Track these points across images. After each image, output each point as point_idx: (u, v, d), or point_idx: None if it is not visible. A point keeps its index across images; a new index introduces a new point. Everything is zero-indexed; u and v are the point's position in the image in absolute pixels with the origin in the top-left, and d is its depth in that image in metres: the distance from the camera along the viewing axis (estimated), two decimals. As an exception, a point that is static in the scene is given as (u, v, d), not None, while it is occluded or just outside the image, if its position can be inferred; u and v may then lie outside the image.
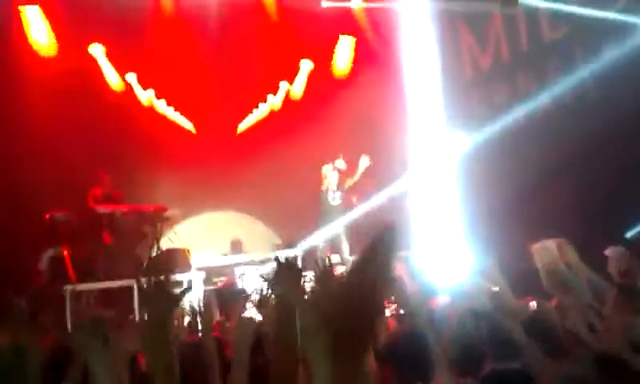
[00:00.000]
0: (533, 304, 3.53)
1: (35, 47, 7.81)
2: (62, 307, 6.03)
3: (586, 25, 6.40)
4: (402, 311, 3.55)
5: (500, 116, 7.05)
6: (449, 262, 6.86)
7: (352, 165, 7.79)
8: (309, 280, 7.12)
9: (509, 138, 6.82)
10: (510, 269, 3.84)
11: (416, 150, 7.97)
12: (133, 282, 6.54)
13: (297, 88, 9.31)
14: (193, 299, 6.24)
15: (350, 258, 7.25)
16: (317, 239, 7.28)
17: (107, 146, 7.92)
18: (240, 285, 6.67)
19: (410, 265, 7.18)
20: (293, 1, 8.43)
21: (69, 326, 5.59)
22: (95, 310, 5.83)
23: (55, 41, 7.90)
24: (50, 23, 7.89)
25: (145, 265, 7.27)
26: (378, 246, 1.34)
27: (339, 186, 7.55)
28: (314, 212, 7.71)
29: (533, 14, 7.19)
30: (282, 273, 1.89)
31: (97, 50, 8.38)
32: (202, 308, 2.82)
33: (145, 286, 1.64)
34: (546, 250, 3.25)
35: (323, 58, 9.19)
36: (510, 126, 6.89)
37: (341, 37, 9.08)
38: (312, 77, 9.27)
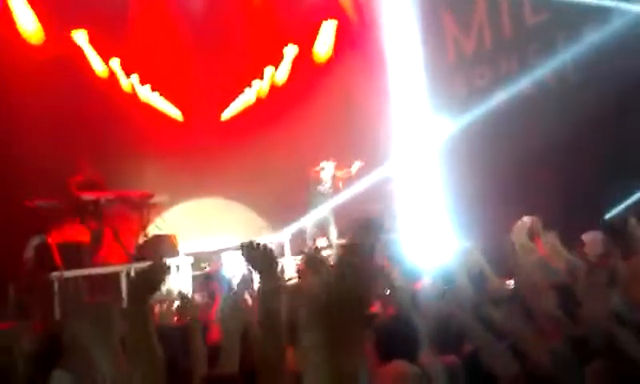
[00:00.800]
0: (510, 282, 3.65)
1: (23, 35, 7.71)
2: (50, 295, 6.03)
3: (568, 9, 6.48)
4: (387, 292, 3.64)
5: (483, 100, 7.14)
6: (432, 245, 6.98)
7: (342, 158, 7.86)
8: (297, 264, 7.22)
9: (491, 122, 6.91)
10: (492, 250, 3.95)
11: (399, 135, 8.03)
12: (120, 269, 6.58)
13: (281, 73, 9.30)
14: (181, 285, 6.32)
15: (338, 242, 7.32)
16: (305, 223, 7.35)
17: (92, 133, 7.86)
18: (226, 270, 6.72)
19: (395, 249, 7.32)
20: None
21: (57, 313, 5.61)
22: (85, 297, 5.84)
23: (41, 28, 7.79)
24: (34, 10, 7.78)
25: (132, 251, 7.28)
26: (363, 233, 1.42)
27: (332, 179, 7.71)
28: (301, 197, 7.76)
29: (515, -2, 7.26)
30: (255, 259, 1.91)
31: (80, 37, 8.27)
32: (189, 293, 2.88)
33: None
34: (522, 230, 3.35)
35: (307, 43, 9.18)
36: (492, 110, 6.98)
37: (324, 21, 9.07)
38: (297, 62, 9.26)
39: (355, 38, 8.85)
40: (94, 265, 6.74)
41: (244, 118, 9.20)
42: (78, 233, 7.24)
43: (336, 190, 7.76)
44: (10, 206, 6.99)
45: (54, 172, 7.30)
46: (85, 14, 7.94)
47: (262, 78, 9.30)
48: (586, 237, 3.58)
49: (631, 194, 5.74)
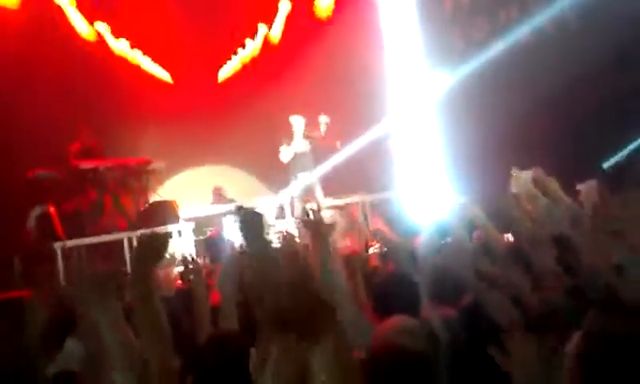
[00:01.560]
0: (508, 236, 3.67)
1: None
2: (55, 264, 6.10)
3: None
4: (384, 249, 3.68)
5: (481, 52, 7.03)
6: (430, 201, 7.00)
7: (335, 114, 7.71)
8: (294, 227, 7.22)
9: (489, 74, 6.83)
10: (490, 203, 3.96)
11: (396, 90, 7.94)
12: (123, 236, 6.63)
13: (275, 31, 9.12)
14: (184, 249, 6.38)
15: (326, 202, 7.29)
16: (291, 188, 7.33)
17: (84, 100, 7.77)
18: (227, 234, 6.77)
19: (393, 206, 7.34)
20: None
21: (62, 282, 5.69)
22: (89, 265, 5.90)
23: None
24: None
25: (133, 218, 7.31)
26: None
27: (305, 135, 7.48)
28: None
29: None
30: (246, 225, 1.94)
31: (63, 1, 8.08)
32: (192, 257, 2.91)
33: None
34: (520, 180, 3.35)
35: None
36: (490, 62, 6.88)
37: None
38: (292, 18, 9.06)
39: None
40: (96, 233, 6.78)
41: (239, 79, 9.08)
42: (79, 202, 7.27)
43: (328, 148, 7.55)
44: (9, 178, 6.99)
45: (51, 141, 7.28)
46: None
47: (254, 37, 9.13)
48: (582, 186, 3.58)
49: (630, 141, 5.72)
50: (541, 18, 6.64)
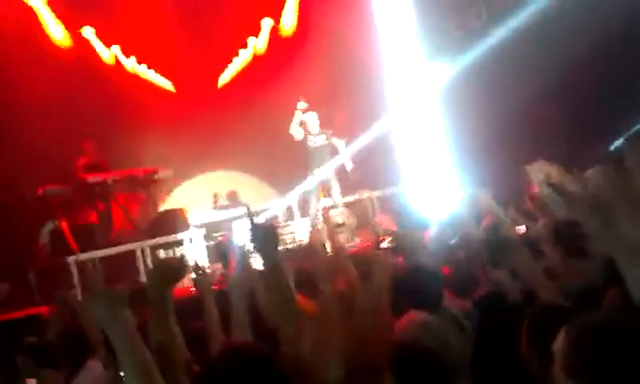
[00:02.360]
0: (522, 227, 3.68)
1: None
2: (70, 278, 6.16)
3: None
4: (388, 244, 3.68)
5: (479, 40, 6.98)
6: (438, 194, 6.99)
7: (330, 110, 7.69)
8: (304, 227, 7.18)
9: (490, 62, 6.79)
10: (500, 194, 3.96)
11: (396, 84, 7.92)
12: (135, 246, 6.68)
13: (260, 43, 9.11)
14: (196, 256, 6.42)
15: (342, 200, 7.28)
16: (307, 185, 7.28)
17: (89, 114, 7.84)
18: (237, 238, 6.79)
19: (400, 201, 7.34)
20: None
21: (79, 296, 5.74)
22: (103, 278, 5.95)
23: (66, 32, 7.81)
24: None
25: (144, 228, 7.36)
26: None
27: (321, 128, 7.33)
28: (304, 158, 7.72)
29: None
30: (257, 236, 1.95)
31: (87, 31, 8.26)
32: (204, 264, 2.93)
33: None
34: (541, 168, 3.36)
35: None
36: (490, 50, 6.83)
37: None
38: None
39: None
40: (107, 245, 6.84)
41: (239, 83, 9.10)
42: (88, 215, 7.33)
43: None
44: (19, 195, 7.06)
45: (58, 157, 7.35)
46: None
47: (257, 34, 9.13)
48: (590, 172, 3.58)
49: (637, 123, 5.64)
50: (540, 4, 6.58)
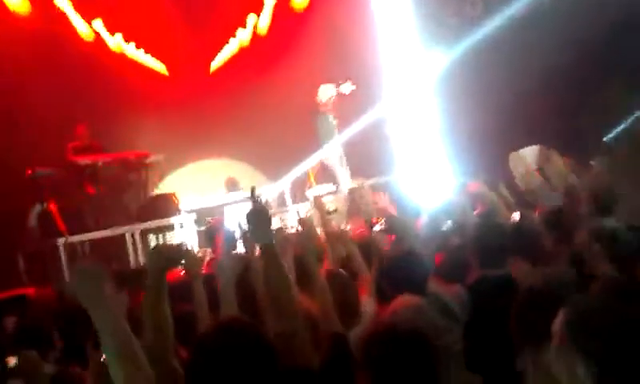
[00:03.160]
0: (516, 215, 3.68)
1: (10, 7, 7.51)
2: (59, 261, 6.10)
3: None
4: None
5: (475, 29, 6.94)
6: (432, 182, 6.98)
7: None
8: (302, 213, 7.09)
9: (486, 51, 6.74)
10: (493, 183, 3.95)
11: (392, 72, 7.87)
12: (125, 230, 6.62)
13: (263, 20, 9.00)
14: (187, 240, 6.38)
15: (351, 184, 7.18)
16: (304, 168, 7.22)
17: (81, 96, 7.73)
18: (228, 223, 6.73)
19: (394, 189, 7.31)
20: None
21: (67, 278, 5.69)
22: (92, 260, 5.89)
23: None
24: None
25: (134, 212, 7.30)
26: None
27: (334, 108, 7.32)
28: (297, 144, 7.66)
29: None
30: (252, 217, 1.98)
31: (63, 2, 8.04)
32: (193, 248, 2.93)
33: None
34: (520, 159, 3.36)
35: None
36: (486, 38, 6.78)
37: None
38: (283, 7, 8.97)
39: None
40: (97, 228, 6.77)
41: (232, 68, 9.00)
42: (78, 198, 7.25)
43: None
44: (8, 176, 6.96)
45: (50, 139, 7.25)
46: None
47: (244, 26, 9.04)
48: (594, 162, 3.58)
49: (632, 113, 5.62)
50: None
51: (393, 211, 3.67)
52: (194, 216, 7.04)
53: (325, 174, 7.40)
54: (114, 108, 7.95)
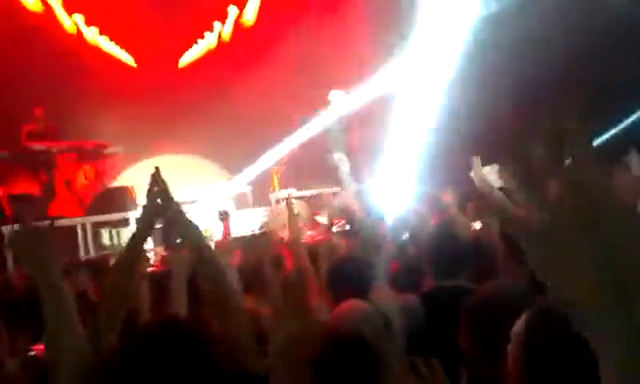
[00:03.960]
0: (477, 224, 3.66)
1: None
2: (2, 248, 5.79)
3: None
4: (347, 227, 3.63)
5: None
6: (396, 190, 6.95)
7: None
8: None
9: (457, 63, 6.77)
10: (461, 194, 3.93)
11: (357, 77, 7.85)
12: (76, 222, 6.35)
13: (248, 14, 8.89)
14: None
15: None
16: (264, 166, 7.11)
17: (42, 81, 7.43)
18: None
19: (365, 196, 7.25)
20: None
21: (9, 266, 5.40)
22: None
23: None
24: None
25: (88, 203, 7.02)
26: None
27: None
28: (263, 142, 7.53)
29: None
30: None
31: None
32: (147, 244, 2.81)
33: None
34: (478, 174, 3.35)
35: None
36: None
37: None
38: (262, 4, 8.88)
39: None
40: (47, 218, 6.47)
41: (203, 64, 8.85)
42: (30, 184, 6.94)
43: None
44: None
45: (5, 122, 6.93)
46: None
47: (223, 20, 8.91)
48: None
49: (617, 123, 5.59)
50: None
51: (358, 213, 3.62)
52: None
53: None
54: (76, 96, 7.67)
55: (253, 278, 2.75)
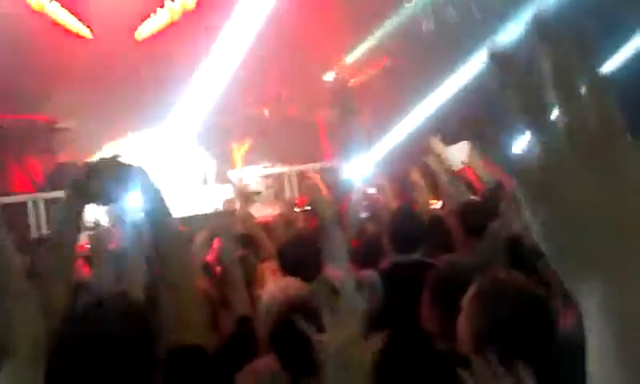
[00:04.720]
0: (438, 204, 3.74)
1: None
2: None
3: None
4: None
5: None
6: (360, 171, 7.00)
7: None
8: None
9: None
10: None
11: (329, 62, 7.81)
12: (27, 198, 6.10)
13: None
14: (96, 215, 5.96)
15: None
16: None
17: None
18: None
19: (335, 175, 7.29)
20: None
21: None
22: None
23: None
24: None
25: (39, 179, 6.75)
26: None
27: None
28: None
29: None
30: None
31: None
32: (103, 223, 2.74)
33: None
34: (437, 145, 3.42)
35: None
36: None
37: None
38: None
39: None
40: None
41: (162, 37, 8.56)
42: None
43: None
44: None
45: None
46: None
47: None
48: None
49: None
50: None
51: (325, 193, 3.63)
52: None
53: None
54: (27, 69, 7.30)
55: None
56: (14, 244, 1.52)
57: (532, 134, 0.44)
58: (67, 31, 8.19)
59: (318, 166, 7.43)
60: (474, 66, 6.66)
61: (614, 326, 0.40)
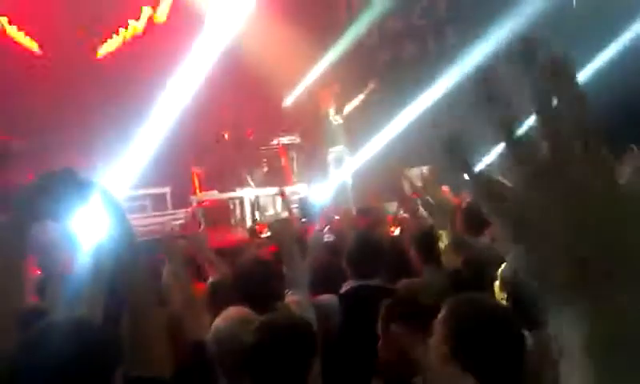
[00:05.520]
0: (397, 230, 3.80)
1: None
2: None
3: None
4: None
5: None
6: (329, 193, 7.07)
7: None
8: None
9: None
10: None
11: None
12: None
13: (160, 11, 8.58)
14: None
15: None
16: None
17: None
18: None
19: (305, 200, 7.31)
20: None
21: None
22: None
23: None
24: None
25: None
26: None
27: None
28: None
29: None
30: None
31: None
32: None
33: None
34: (408, 177, 3.50)
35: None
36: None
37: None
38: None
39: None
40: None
41: (121, 57, 8.44)
42: None
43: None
44: None
45: None
46: None
47: (137, 18, 8.54)
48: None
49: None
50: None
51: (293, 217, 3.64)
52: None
53: None
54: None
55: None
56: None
57: (506, 148, 0.44)
58: (19, 45, 7.97)
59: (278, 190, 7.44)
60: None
61: (582, 342, 0.40)
